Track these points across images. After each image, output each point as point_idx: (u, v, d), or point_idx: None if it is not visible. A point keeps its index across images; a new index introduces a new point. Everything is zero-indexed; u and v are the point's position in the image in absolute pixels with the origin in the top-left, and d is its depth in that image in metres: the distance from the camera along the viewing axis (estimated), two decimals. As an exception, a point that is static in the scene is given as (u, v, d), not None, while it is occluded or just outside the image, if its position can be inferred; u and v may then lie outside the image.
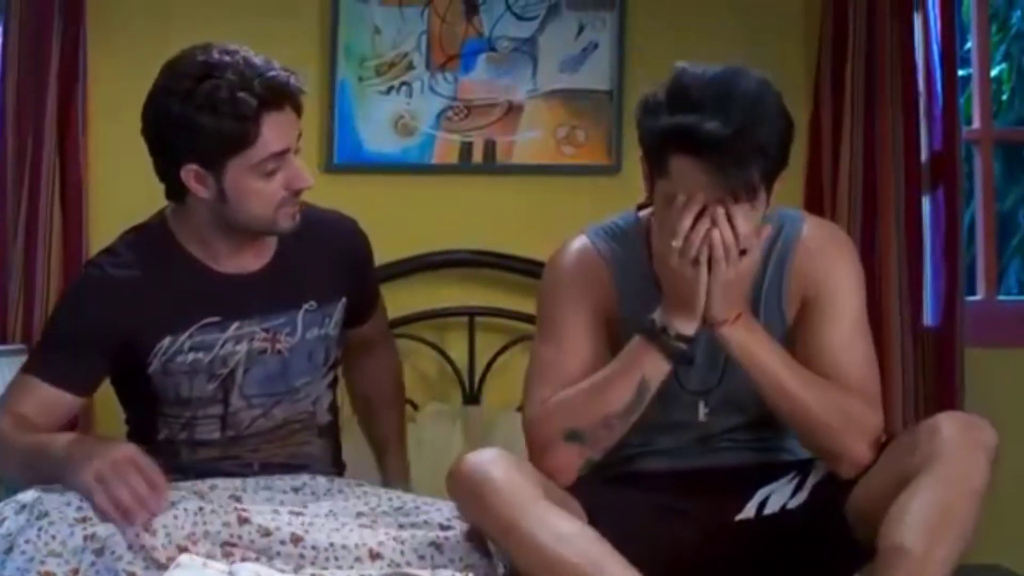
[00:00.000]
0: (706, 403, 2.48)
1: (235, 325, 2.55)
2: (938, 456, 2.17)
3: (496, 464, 2.27)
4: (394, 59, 3.89)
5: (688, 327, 2.32)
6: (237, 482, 2.50)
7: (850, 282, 2.46)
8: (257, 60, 2.42)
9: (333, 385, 2.74)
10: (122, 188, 3.67)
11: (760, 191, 2.24)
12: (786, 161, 2.27)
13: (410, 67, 3.89)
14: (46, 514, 2.20)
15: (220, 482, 2.50)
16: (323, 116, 3.86)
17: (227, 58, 2.40)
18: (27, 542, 2.17)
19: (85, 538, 2.18)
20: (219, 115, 2.37)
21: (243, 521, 2.28)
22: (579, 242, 2.55)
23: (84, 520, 2.20)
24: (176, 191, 2.51)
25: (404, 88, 3.89)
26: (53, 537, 2.18)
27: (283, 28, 3.84)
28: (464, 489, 2.28)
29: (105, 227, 3.77)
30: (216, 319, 2.53)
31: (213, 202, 2.47)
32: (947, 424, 2.24)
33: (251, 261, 2.59)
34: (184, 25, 3.76)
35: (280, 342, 2.57)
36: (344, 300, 2.67)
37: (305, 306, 2.60)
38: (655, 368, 2.35)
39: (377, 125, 3.88)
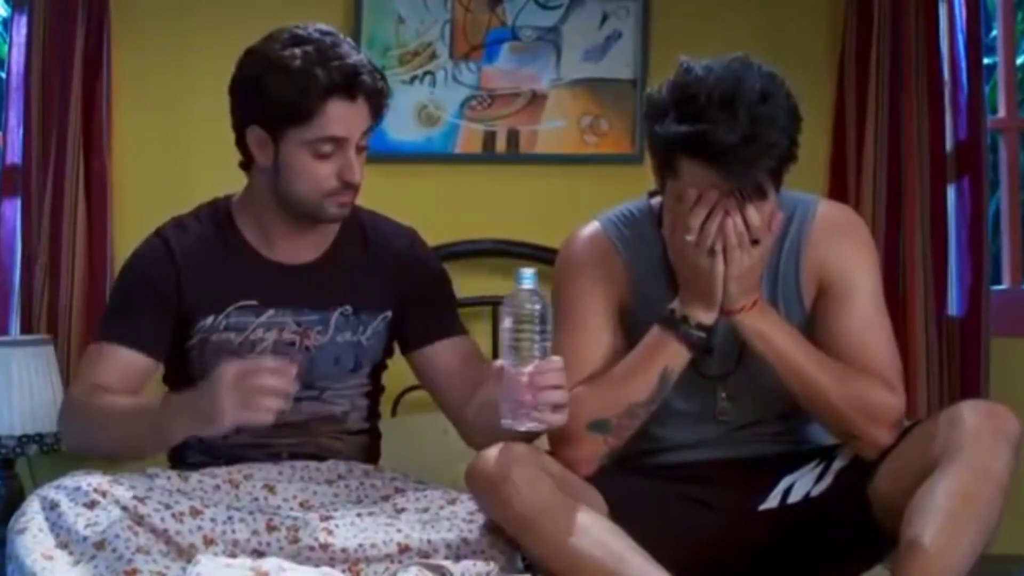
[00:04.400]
0: (724, 388, 2.48)
1: (269, 312, 2.56)
2: (960, 445, 2.17)
3: (514, 461, 2.27)
4: (418, 48, 3.90)
5: (707, 316, 2.33)
6: (273, 471, 2.51)
7: (865, 265, 2.46)
8: (347, 49, 2.48)
9: (372, 396, 2.72)
10: (146, 179, 3.69)
11: (769, 188, 2.27)
12: (795, 154, 2.28)
13: (433, 56, 3.90)
14: (57, 504, 2.22)
15: (256, 470, 2.50)
16: (346, 106, 3.86)
17: (317, 35, 2.48)
18: (40, 530, 2.19)
19: (87, 525, 2.18)
20: (287, 82, 2.42)
21: (271, 529, 2.28)
22: (591, 229, 2.55)
23: (93, 505, 2.21)
24: (245, 160, 2.57)
25: (428, 77, 3.89)
26: (61, 528, 2.19)
27: (307, 17, 3.82)
28: (483, 486, 2.29)
29: (129, 218, 3.79)
30: (253, 303, 2.55)
31: (270, 172, 2.51)
32: (969, 413, 2.23)
33: (304, 252, 2.60)
34: (207, 16, 3.77)
35: (309, 339, 2.57)
36: (388, 314, 2.64)
37: (340, 309, 2.59)
38: (676, 357, 2.35)
39: (400, 114, 3.87)
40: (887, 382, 2.37)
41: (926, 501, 2.14)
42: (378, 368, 2.72)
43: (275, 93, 2.43)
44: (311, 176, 2.48)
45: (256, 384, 2.16)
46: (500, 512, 2.27)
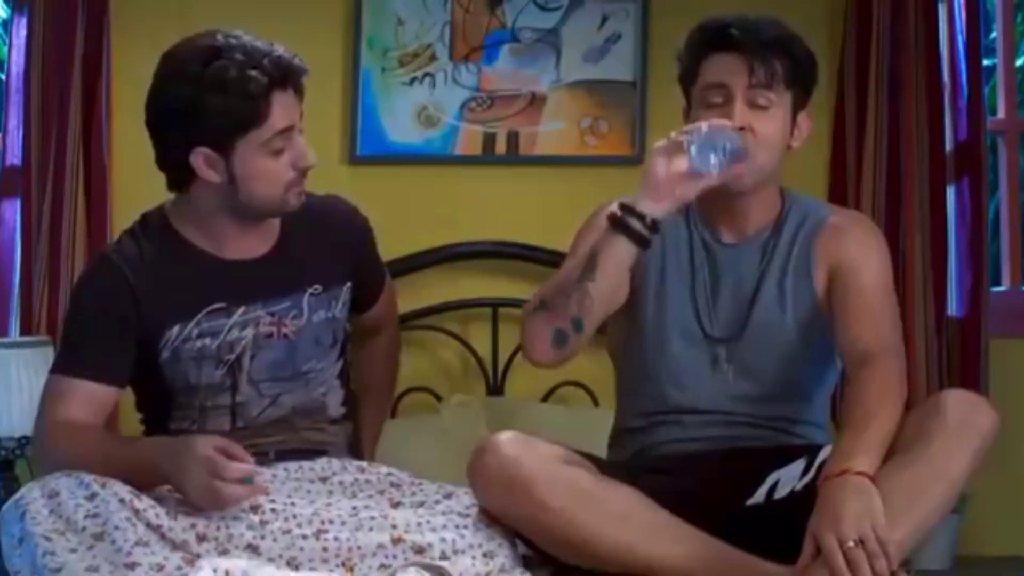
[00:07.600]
0: (726, 352, 2.55)
1: (240, 310, 2.55)
2: (927, 437, 2.21)
3: (529, 458, 2.30)
4: (417, 50, 3.90)
5: (653, 209, 2.41)
6: (266, 475, 2.49)
7: (875, 254, 2.56)
8: (260, 43, 2.46)
9: (343, 377, 2.72)
10: (146, 180, 3.66)
11: (780, 83, 2.49)
12: (814, 75, 2.57)
13: (433, 58, 3.90)
14: (57, 493, 2.23)
15: None
16: (346, 107, 3.87)
17: (232, 40, 2.45)
18: (39, 513, 2.19)
19: (86, 516, 2.19)
20: (228, 95, 2.40)
21: (264, 523, 2.29)
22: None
23: (93, 496, 2.21)
24: (179, 180, 2.54)
25: (427, 79, 3.89)
26: (60, 516, 2.20)
27: (306, 19, 3.85)
28: (498, 483, 2.31)
29: (129, 219, 3.74)
30: (222, 305, 2.54)
31: (222, 186, 2.48)
32: (945, 406, 2.26)
33: (255, 246, 2.60)
34: (206, 18, 3.72)
35: (286, 326, 2.58)
36: (350, 284, 2.69)
37: (310, 289, 2.60)
38: (612, 243, 2.41)
39: (400, 116, 3.88)
40: (897, 355, 2.42)
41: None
42: (345, 339, 2.75)
43: (220, 109, 2.40)
44: (271, 175, 2.48)
45: (221, 477, 2.23)
46: (516, 512, 2.30)
